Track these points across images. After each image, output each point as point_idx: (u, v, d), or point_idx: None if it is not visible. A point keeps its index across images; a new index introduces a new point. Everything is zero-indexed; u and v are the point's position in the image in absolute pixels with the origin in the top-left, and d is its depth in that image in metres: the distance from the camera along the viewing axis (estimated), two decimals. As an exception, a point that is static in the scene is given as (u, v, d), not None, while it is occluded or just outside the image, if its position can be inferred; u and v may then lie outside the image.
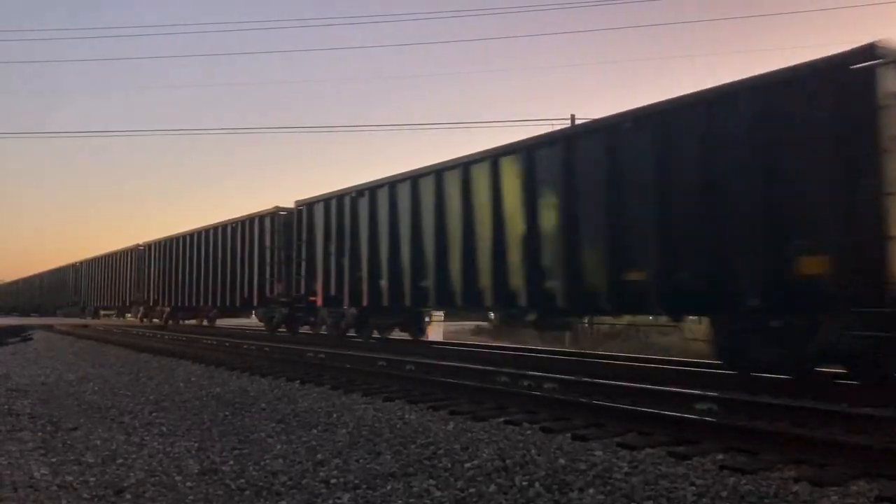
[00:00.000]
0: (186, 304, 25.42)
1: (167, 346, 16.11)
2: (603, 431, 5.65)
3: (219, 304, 22.55)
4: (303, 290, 16.79)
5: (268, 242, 18.85)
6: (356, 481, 4.43)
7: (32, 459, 5.24)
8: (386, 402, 7.36)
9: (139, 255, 30.66)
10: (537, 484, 4.25)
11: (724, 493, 4.00)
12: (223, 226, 22.20)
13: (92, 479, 4.64)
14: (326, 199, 15.86)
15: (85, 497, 4.28)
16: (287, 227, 17.86)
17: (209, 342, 17.23)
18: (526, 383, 8.33)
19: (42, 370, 11.76)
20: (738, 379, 7.92)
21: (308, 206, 16.85)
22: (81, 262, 42.36)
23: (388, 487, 4.31)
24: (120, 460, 5.13)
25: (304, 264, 16.79)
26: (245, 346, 15.29)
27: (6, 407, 7.73)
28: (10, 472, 4.88)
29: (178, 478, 4.63)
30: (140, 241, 31.41)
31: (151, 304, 29.43)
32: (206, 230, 23.50)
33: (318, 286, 16.04)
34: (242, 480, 4.53)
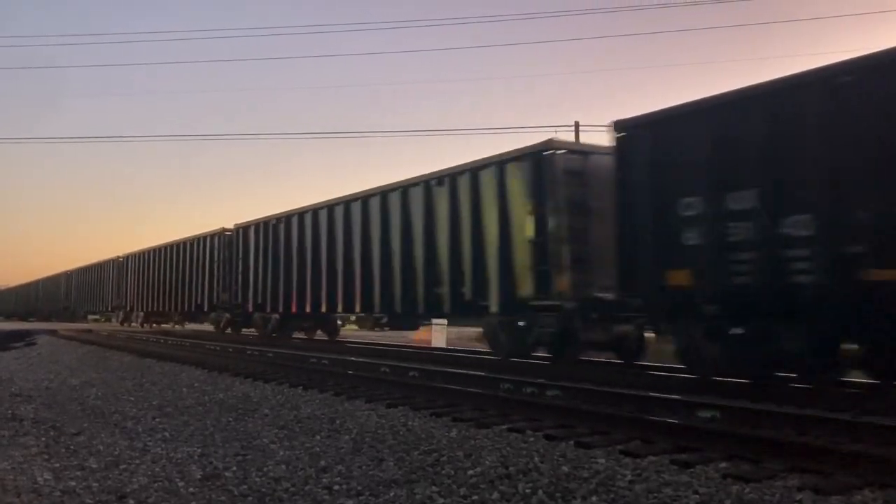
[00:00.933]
0: (321, 308, 17.69)
1: (171, 351, 16.13)
2: (606, 439, 5.63)
3: (397, 308, 14.77)
4: (649, 284, 8.94)
5: (527, 205, 11.35)
6: (359, 488, 4.43)
7: (36, 464, 5.24)
8: (389, 408, 7.35)
9: (224, 244, 22.85)
10: (540, 491, 4.25)
11: (728, 502, 3.99)
12: (403, 187, 14.48)
13: (95, 484, 4.65)
14: (723, 105, 8.36)
15: (88, 502, 4.28)
16: (573, 175, 10.94)
17: (213, 347, 17.26)
18: (529, 390, 8.33)
19: (46, 375, 11.78)
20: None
21: (652, 126, 9.12)
22: (126, 257, 34.58)
23: (391, 494, 4.30)
24: (123, 465, 5.13)
25: (644, 235, 9.02)
26: (249, 352, 15.29)
27: (10, 412, 7.74)
28: (13, 477, 4.88)
29: (180, 483, 4.63)
30: (226, 225, 23.41)
31: (251, 309, 21.17)
32: (365, 197, 15.78)
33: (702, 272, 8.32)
34: (245, 486, 4.53)
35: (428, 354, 14.80)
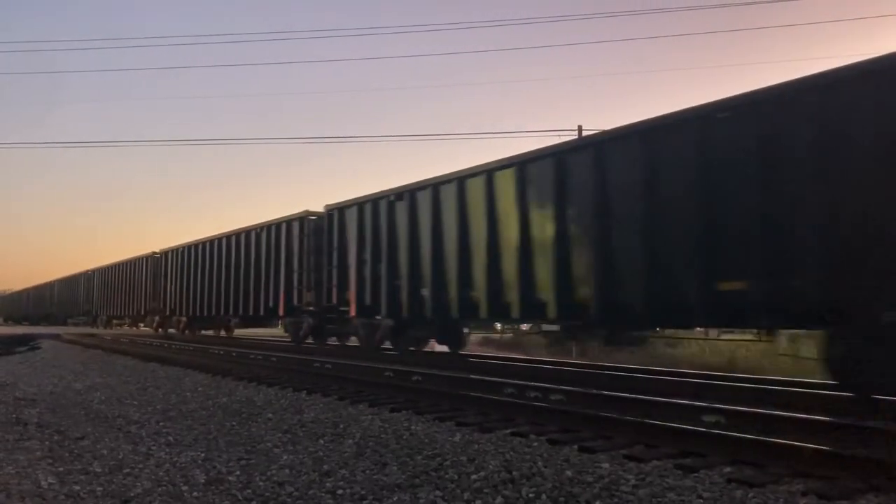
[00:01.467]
0: (479, 313, 12.25)
1: (174, 355, 16.15)
2: (610, 443, 5.63)
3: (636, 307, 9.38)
4: None
5: None
6: (363, 492, 4.43)
7: (40, 468, 5.26)
8: (392, 412, 7.36)
9: (310, 231, 17.69)
10: (544, 496, 4.25)
11: (732, 507, 3.99)
12: (641, 131, 9.42)
13: (99, 488, 4.66)
14: None
15: (92, 506, 4.29)
16: None
17: (217, 352, 17.28)
18: (533, 394, 8.32)
19: (50, 379, 11.80)
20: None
21: None
22: (165, 252, 28.73)
23: (395, 499, 4.30)
24: (127, 470, 5.14)
25: None
26: (252, 356, 15.31)
27: (14, 416, 7.75)
28: (17, 481, 4.89)
29: (184, 488, 4.64)
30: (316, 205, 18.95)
31: (353, 313, 15.63)
32: (560, 153, 10.73)
33: None
34: (249, 491, 4.53)
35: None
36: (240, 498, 4.40)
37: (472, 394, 8.08)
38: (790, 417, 6.23)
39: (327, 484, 4.65)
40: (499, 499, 4.24)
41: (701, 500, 4.09)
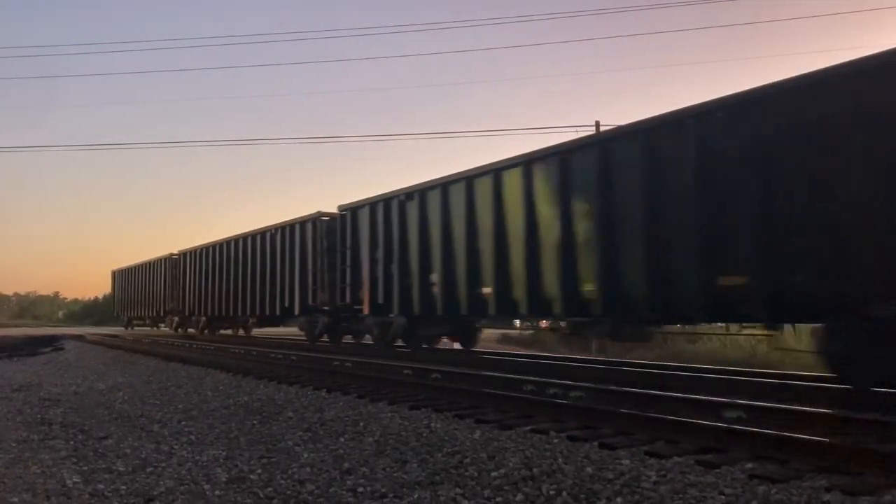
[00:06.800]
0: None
1: (196, 355, 16.29)
2: (630, 440, 5.60)
3: None
4: None
5: None
6: (383, 490, 4.44)
7: (65, 468, 5.32)
8: (412, 410, 7.37)
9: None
10: (564, 493, 4.23)
11: (755, 502, 3.95)
12: None
13: (123, 487, 4.70)
14: None
15: (116, 505, 4.34)
16: None
17: (237, 351, 17.40)
18: (552, 391, 8.30)
19: (73, 379, 11.94)
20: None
21: None
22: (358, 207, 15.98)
23: (415, 496, 4.31)
24: (150, 468, 5.20)
25: None
26: (272, 355, 15.40)
27: (39, 416, 7.86)
28: (43, 480, 4.96)
29: (206, 486, 4.68)
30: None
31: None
32: None
33: None
34: (270, 489, 4.56)
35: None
36: (261, 496, 4.43)
37: (491, 391, 8.07)
38: (815, 413, 6.17)
39: (348, 481, 4.66)
40: (519, 496, 4.23)
41: (723, 497, 4.06)
